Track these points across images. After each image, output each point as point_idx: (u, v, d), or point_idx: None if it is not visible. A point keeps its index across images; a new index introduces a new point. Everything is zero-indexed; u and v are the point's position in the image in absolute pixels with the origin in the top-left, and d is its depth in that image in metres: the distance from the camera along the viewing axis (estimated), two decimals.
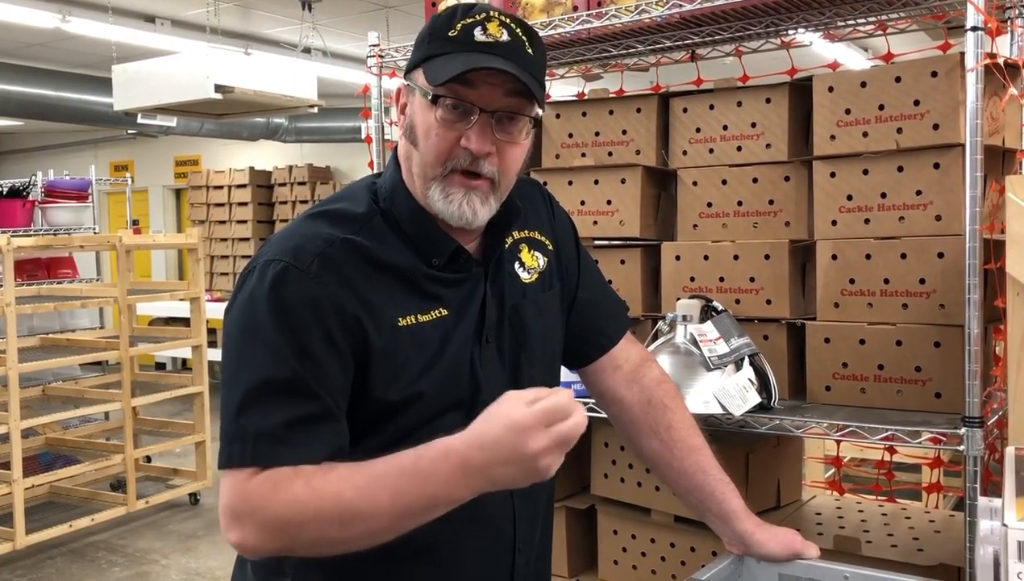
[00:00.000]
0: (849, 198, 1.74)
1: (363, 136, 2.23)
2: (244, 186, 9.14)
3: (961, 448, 1.48)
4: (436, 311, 1.18)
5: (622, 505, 2.03)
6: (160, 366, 8.90)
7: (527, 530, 1.28)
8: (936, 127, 1.64)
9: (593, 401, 1.50)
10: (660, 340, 1.80)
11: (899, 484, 2.30)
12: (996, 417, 1.60)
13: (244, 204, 9.17)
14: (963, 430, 1.48)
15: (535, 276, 1.30)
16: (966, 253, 1.48)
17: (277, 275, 1.09)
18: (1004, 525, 0.89)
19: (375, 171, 1.82)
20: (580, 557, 2.11)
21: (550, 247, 1.34)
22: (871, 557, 1.66)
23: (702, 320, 1.77)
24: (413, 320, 1.15)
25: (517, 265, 1.28)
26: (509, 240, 1.27)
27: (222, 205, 9.30)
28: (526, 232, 1.31)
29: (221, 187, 9.30)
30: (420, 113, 1.13)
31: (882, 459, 2.11)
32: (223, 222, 9.27)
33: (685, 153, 1.97)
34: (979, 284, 1.48)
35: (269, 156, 9.68)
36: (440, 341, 1.17)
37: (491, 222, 1.19)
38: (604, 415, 1.89)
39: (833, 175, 1.76)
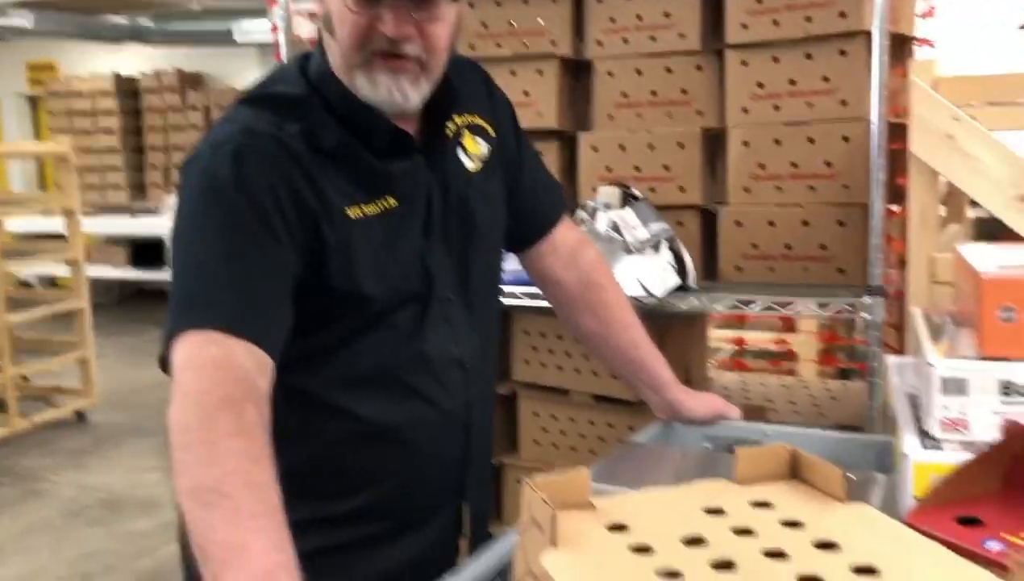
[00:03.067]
0: (760, 86, 1.81)
1: (238, 39, 2.14)
2: (109, 94, 8.63)
3: (866, 315, 1.61)
4: (383, 201, 1.16)
5: (542, 388, 2.11)
6: (24, 285, 8.47)
7: (478, 410, 1.32)
8: (843, 15, 1.72)
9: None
10: (582, 228, 1.85)
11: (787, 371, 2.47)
12: (894, 289, 1.73)
13: (110, 113, 8.67)
14: (867, 299, 1.61)
15: (479, 164, 1.30)
16: (872, 135, 1.58)
17: (235, 154, 1.06)
18: (930, 365, 0.99)
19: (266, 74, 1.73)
20: (503, 441, 2.19)
21: (492, 133, 1.34)
22: (778, 423, 1.80)
23: (621, 207, 1.83)
24: (361, 212, 1.13)
25: (461, 153, 1.28)
26: (452, 127, 1.26)
27: (86, 114, 8.77)
28: (467, 117, 1.30)
29: (83, 94, 8.75)
30: (333, 0, 1.10)
31: (780, 338, 2.25)
32: (89, 132, 8.77)
33: (600, 43, 2.00)
34: (884, 165, 1.58)
35: (133, 61, 9.14)
36: (389, 233, 1.16)
37: (429, 107, 1.19)
38: (522, 303, 1.97)
39: (744, 64, 1.82)
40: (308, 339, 1.11)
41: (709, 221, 1.92)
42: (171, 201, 7.67)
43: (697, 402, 1.44)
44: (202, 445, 0.92)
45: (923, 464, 0.93)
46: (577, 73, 2.07)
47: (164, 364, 1.03)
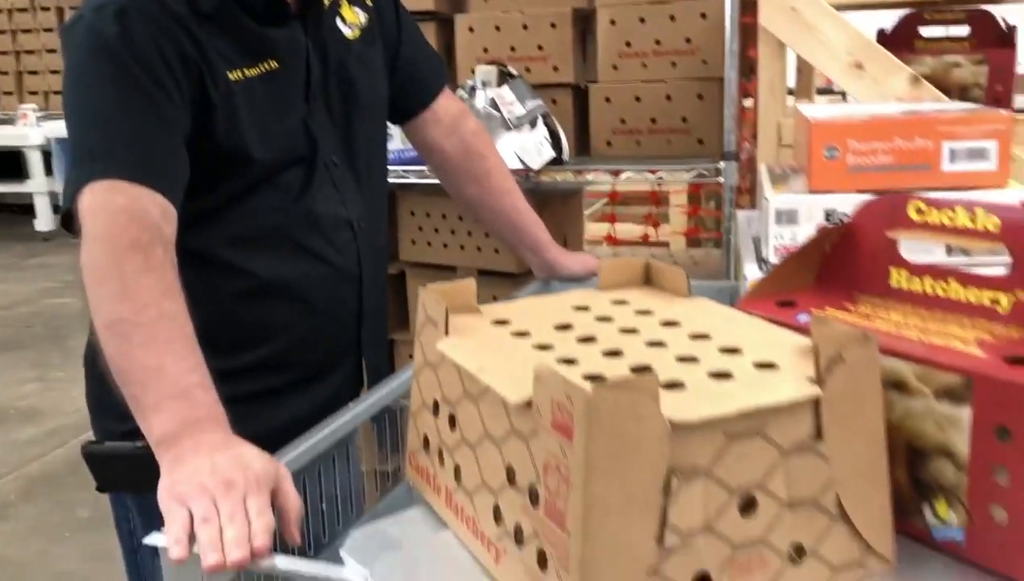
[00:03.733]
0: None
1: None
2: None
3: (721, 180, 1.77)
4: (264, 64, 1.21)
5: (429, 266, 2.21)
6: None
7: (369, 268, 1.42)
8: None
9: None
10: None
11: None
12: (746, 156, 1.90)
13: None
14: (723, 164, 1.76)
15: (358, 32, 1.35)
16: (727, 10, 1.71)
17: (119, 13, 1.08)
18: (766, 200, 1.14)
19: None
20: (394, 319, 2.29)
21: (369, 3, 1.40)
22: None
23: (499, 86, 1.92)
24: (242, 75, 1.18)
25: (339, 21, 1.33)
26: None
27: None
28: None
29: None
30: None
31: (648, 214, 2.42)
32: None
33: None
34: (737, 36, 1.72)
35: None
36: (271, 95, 1.20)
37: None
38: (408, 182, 2.05)
39: None
40: (199, 200, 1.17)
41: (581, 98, 2.04)
42: (26, 109, 7.27)
43: (573, 260, 1.58)
44: (115, 282, 0.99)
45: (758, 283, 1.09)
46: None
47: (68, 220, 1.08)
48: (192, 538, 0.80)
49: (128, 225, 1.03)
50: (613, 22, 1.93)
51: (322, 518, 1.05)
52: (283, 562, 0.77)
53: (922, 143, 1.11)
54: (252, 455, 0.89)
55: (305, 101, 1.25)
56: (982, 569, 0.69)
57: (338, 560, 0.76)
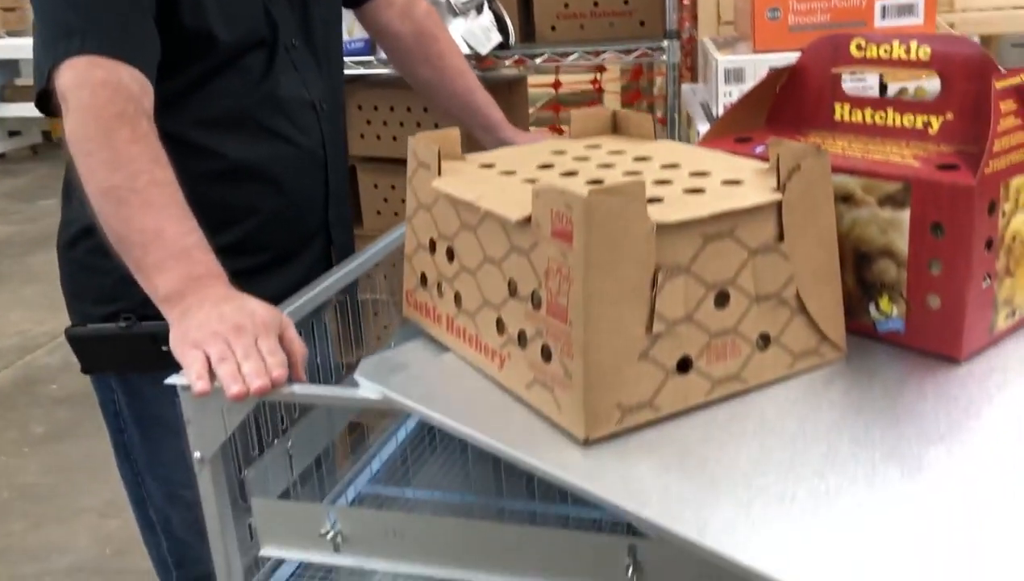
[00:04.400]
0: None
1: None
2: None
3: (664, 57, 1.84)
4: None
5: (379, 160, 2.25)
6: None
7: (333, 149, 1.46)
8: None
9: None
10: None
11: None
12: (687, 36, 1.97)
13: None
14: (665, 42, 1.83)
15: None
16: None
17: None
18: (714, 60, 1.22)
19: None
20: None
21: None
22: None
23: None
24: None
25: None
26: None
27: None
28: None
29: None
30: None
31: (592, 102, 2.48)
32: None
33: None
34: None
35: None
36: None
37: None
38: (356, 73, 2.07)
39: None
40: (165, 82, 1.19)
41: None
42: None
43: (526, 139, 1.63)
44: (105, 151, 1.03)
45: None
46: None
47: (43, 101, 1.11)
48: (212, 377, 0.87)
49: (112, 97, 1.06)
50: None
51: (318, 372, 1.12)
52: (301, 389, 0.85)
53: (856, 1, 1.19)
54: (256, 304, 0.96)
55: None
56: (920, 352, 0.80)
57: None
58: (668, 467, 0.66)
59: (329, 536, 0.88)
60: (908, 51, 0.85)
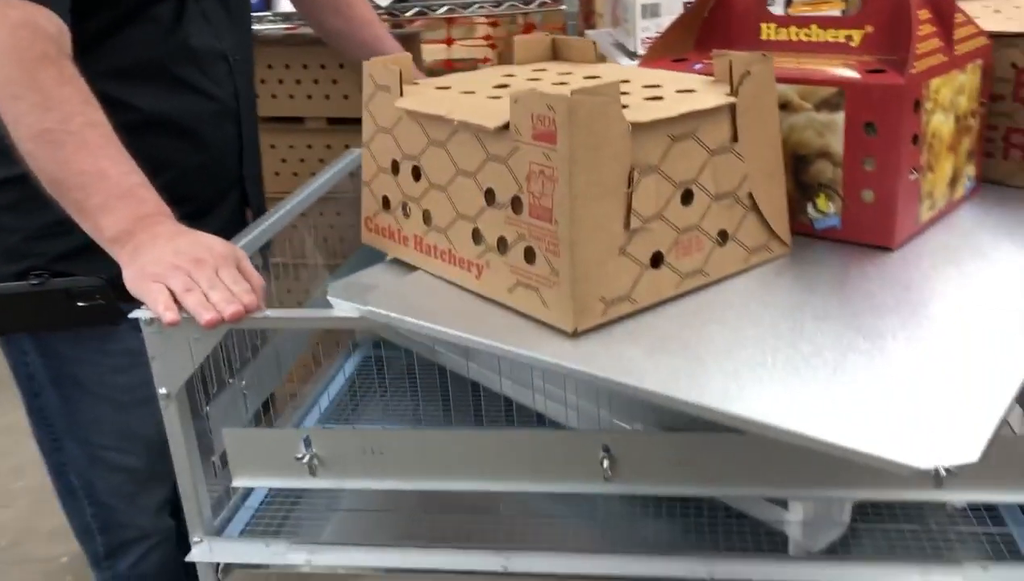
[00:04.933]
0: None
1: None
2: None
3: (564, 7, 1.88)
4: None
5: (276, 120, 2.21)
6: None
7: (245, 101, 1.45)
8: None
9: None
10: None
11: None
12: None
13: None
14: None
15: None
16: None
17: None
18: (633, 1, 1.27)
19: None
20: None
21: None
22: None
23: None
24: None
25: None
26: None
27: None
28: None
29: None
30: None
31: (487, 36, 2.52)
32: None
33: None
34: None
35: None
36: None
37: None
38: (255, 28, 2.03)
39: None
40: (74, 31, 1.16)
41: None
42: None
43: None
44: (34, 94, 0.99)
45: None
46: None
47: None
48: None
49: (33, 39, 1.02)
50: None
51: None
52: (275, 313, 0.86)
53: None
54: (210, 238, 0.95)
55: None
56: (855, 244, 0.88)
57: None
58: (654, 349, 0.71)
59: (305, 460, 0.89)
60: None
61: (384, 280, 0.88)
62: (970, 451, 0.55)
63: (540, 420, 1.01)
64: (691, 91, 0.82)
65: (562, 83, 0.89)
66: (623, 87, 0.86)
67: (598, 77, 0.91)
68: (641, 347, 0.72)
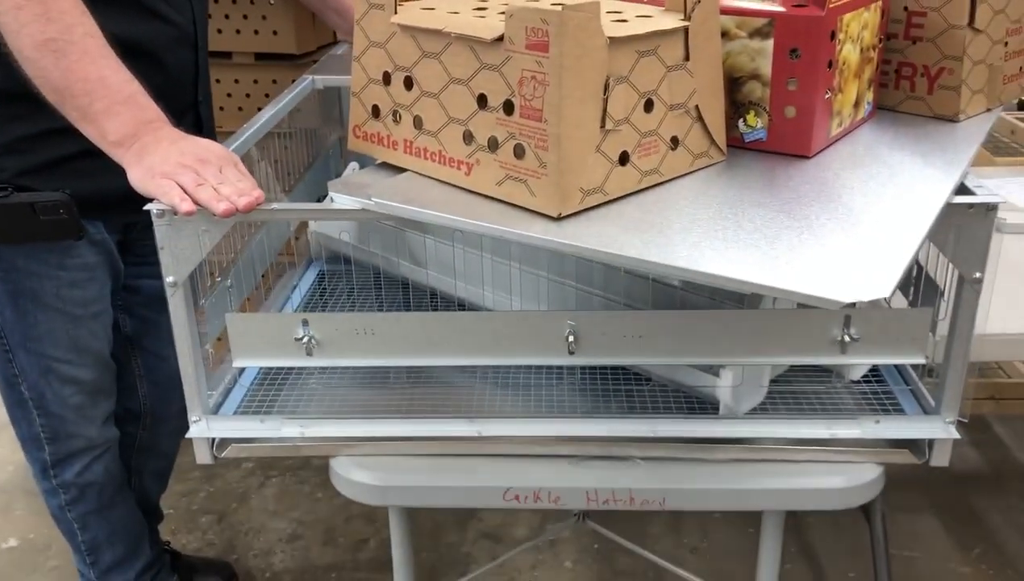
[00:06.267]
0: None
1: None
2: None
3: None
4: None
5: (219, 55, 2.24)
6: None
7: (201, 28, 1.50)
8: None
9: None
10: None
11: None
12: None
13: None
14: None
15: None
16: None
17: None
18: None
19: None
20: None
21: None
22: None
23: None
24: None
25: None
26: None
27: None
28: None
29: None
30: None
31: None
32: None
33: None
34: None
35: None
36: None
37: None
38: None
39: None
40: None
41: None
42: None
43: None
44: (35, 5, 1.05)
45: None
46: None
47: None
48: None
49: None
50: None
51: None
52: (282, 205, 0.96)
53: None
54: (208, 142, 1.04)
55: None
56: (778, 154, 1.04)
57: None
58: (627, 229, 0.85)
59: (304, 341, 1.00)
60: None
61: (378, 179, 0.99)
62: (883, 288, 0.71)
63: None
64: (649, 16, 0.96)
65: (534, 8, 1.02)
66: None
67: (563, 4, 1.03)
68: (617, 227, 0.86)
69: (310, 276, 1.43)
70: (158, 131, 1.04)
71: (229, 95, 2.30)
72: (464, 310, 1.18)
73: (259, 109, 2.26)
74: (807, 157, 1.03)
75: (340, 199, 0.95)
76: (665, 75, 0.93)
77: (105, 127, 1.04)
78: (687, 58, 0.94)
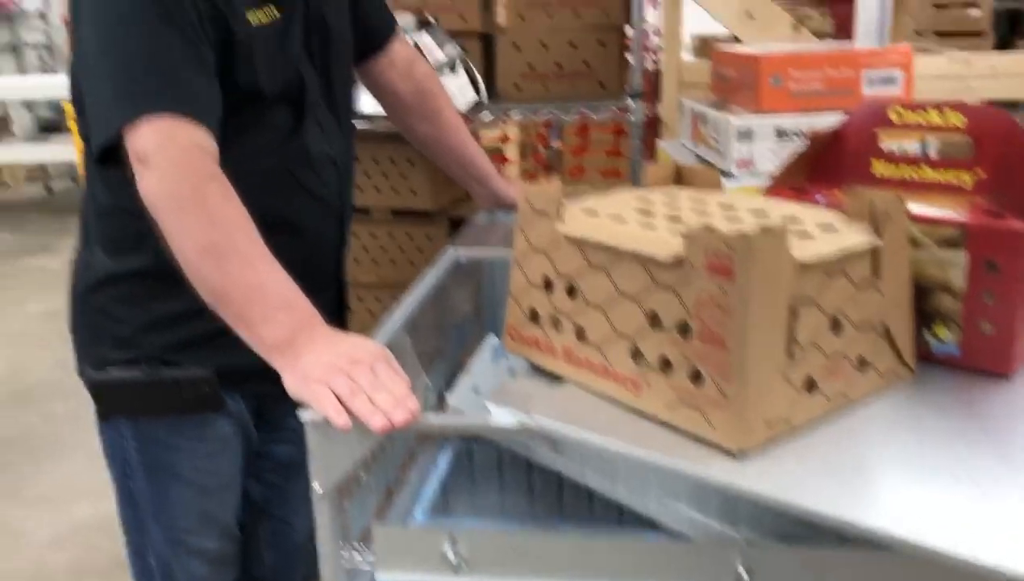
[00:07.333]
0: None
1: None
2: None
3: (631, 116, 1.99)
4: (270, 10, 1.27)
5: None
6: None
7: (348, 202, 1.53)
8: None
9: None
10: None
11: None
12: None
13: None
14: (631, 102, 1.99)
15: None
16: None
17: None
18: (729, 122, 1.36)
19: None
20: None
21: None
22: None
23: (417, 31, 2.04)
24: (257, 19, 1.25)
25: None
26: None
27: None
28: None
29: None
30: None
31: (536, 153, 2.62)
32: None
33: None
34: None
35: None
36: (277, 40, 1.28)
37: None
38: None
39: None
40: None
41: (489, 46, 2.19)
42: None
43: (516, 188, 1.75)
44: (201, 210, 1.07)
45: (730, 190, 1.31)
46: None
47: (108, 152, 1.14)
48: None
49: (202, 158, 1.11)
50: None
51: None
52: (438, 419, 0.91)
53: (846, 72, 1.37)
54: (360, 339, 1.02)
55: (303, 46, 1.34)
56: (973, 371, 0.95)
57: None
58: (817, 470, 0.77)
59: (451, 558, 0.93)
60: (943, 116, 1.01)
61: (537, 390, 0.94)
62: None
63: (621, 513, 1.06)
64: (832, 226, 0.90)
65: (702, 211, 0.97)
66: (762, 219, 0.94)
67: (733, 207, 0.99)
68: (804, 468, 0.78)
69: (449, 451, 1.39)
70: (311, 331, 1.03)
71: (365, 249, 2.33)
72: (623, 513, 1.10)
73: (391, 262, 2.31)
74: (1006, 376, 0.93)
75: (499, 414, 0.90)
76: (853, 294, 0.86)
77: (262, 333, 1.03)
78: (876, 275, 0.87)
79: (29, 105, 7.60)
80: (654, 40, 2.58)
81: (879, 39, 1.73)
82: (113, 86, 1.14)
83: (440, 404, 1.47)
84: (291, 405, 1.51)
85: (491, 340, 1.45)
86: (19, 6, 9.09)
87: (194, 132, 1.11)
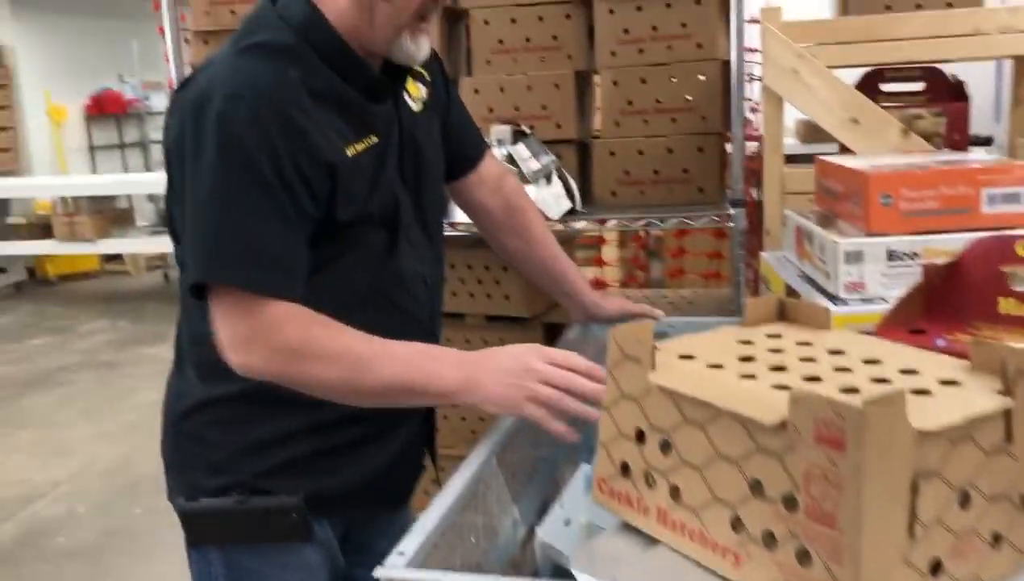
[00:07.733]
0: (625, 32, 2.07)
1: None
2: None
3: (732, 225, 1.92)
4: (368, 139, 1.29)
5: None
6: None
7: (437, 318, 1.50)
8: None
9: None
10: None
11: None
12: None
13: None
14: (732, 210, 1.92)
15: (420, 105, 1.45)
16: (733, 73, 1.87)
17: (252, 110, 1.13)
18: (835, 242, 1.28)
19: None
20: None
21: (426, 76, 1.50)
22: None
23: (513, 143, 2.03)
24: (355, 150, 1.26)
25: (407, 96, 1.43)
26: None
27: None
28: None
29: None
30: None
31: (635, 257, 2.56)
32: None
33: None
34: (741, 97, 1.89)
35: None
36: (375, 167, 1.28)
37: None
38: None
39: (612, 12, 2.07)
40: None
41: (584, 153, 2.17)
42: None
43: (608, 302, 1.69)
44: (319, 364, 1.17)
45: (839, 316, 1.23)
46: (452, 22, 2.24)
47: (199, 291, 1.18)
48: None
49: (310, 319, 1.19)
50: (615, 83, 2.08)
51: None
52: None
53: (964, 189, 1.28)
54: (508, 348, 1.18)
55: (397, 170, 1.34)
56: None
57: None
58: None
59: None
60: None
61: (627, 553, 0.87)
62: None
63: None
64: (955, 382, 0.81)
65: (809, 358, 0.90)
66: (877, 371, 0.85)
67: (844, 353, 0.91)
68: None
69: None
70: (462, 357, 1.17)
71: None
72: None
73: None
74: None
75: (583, 578, 0.83)
76: (983, 462, 0.76)
77: (439, 388, 1.16)
78: (1009, 439, 0.78)
79: (153, 198, 8.00)
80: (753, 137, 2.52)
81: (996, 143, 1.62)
82: (205, 237, 1.17)
83: (529, 537, 1.41)
84: (377, 529, 1.47)
85: (584, 468, 1.38)
86: (148, 106, 9.69)
87: (289, 308, 1.18)
